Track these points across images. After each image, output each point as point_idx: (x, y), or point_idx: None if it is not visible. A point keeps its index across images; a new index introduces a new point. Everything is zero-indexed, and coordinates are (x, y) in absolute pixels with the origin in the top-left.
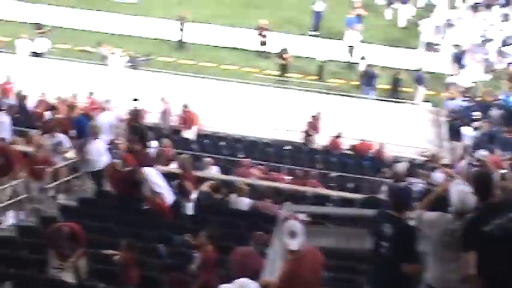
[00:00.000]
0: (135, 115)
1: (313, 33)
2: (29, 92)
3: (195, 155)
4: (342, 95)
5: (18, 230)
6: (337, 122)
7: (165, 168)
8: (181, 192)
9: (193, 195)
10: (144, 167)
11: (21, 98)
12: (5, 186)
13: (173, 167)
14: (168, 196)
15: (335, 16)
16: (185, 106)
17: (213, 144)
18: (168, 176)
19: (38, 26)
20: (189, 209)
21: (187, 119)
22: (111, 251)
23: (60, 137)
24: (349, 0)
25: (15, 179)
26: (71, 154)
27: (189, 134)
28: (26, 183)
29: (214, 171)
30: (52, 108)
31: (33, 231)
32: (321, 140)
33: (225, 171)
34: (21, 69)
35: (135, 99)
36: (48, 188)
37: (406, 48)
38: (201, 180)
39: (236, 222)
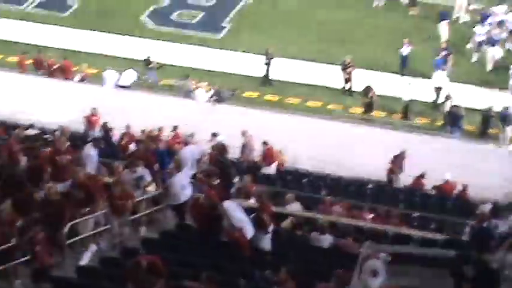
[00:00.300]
0: (220, 149)
1: (402, 77)
2: (114, 124)
3: (277, 191)
4: (427, 134)
5: (100, 260)
6: (421, 162)
7: (243, 203)
8: (259, 226)
9: (270, 229)
10: (225, 201)
11: (107, 130)
12: (88, 217)
13: (252, 201)
14: (249, 230)
15: (419, 56)
16: (265, 143)
17: (295, 181)
18: (246, 210)
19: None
20: (267, 243)
21: (268, 156)
22: (192, 283)
23: (141, 171)
24: (436, 40)
25: (97, 211)
26: (152, 188)
27: (269, 170)
28: (107, 215)
29: (296, 208)
30: (137, 141)
31: (115, 262)
32: (404, 179)
33: (307, 208)
34: (107, 102)
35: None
36: (130, 221)
37: (494, 89)
38: (280, 215)
39: (317, 259)
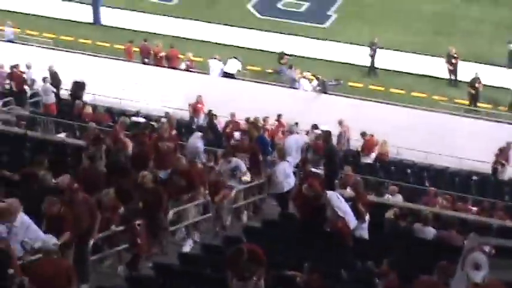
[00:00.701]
0: (327, 138)
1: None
2: (219, 112)
3: (379, 181)
4: None
5: (202, 248)
6: None
7: (340, 192)
8: (355, 215)
9: (367, 219)
10: (328, 191)
11: (211, 117)
12: (189, 205)
13: (348, 191)
14: (352, 221)
15: None
16: (364, 133)
17: (399, 172)
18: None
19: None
20: (365, 233)
21: (367, 146)
22: (294, 273)
23: (237, 161)
24: None
25: (199, 199)
26: (247, 177)
27: (368, 160)
28: (209, 203)
29: (398, 199)
30: (241, 130)
31: (217, 250)
32: (510, 172)
33: (410, 199)
34: (213, 90)
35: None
36: (232, 209)
37: None
38: (383, 205)
39: (420, 251)
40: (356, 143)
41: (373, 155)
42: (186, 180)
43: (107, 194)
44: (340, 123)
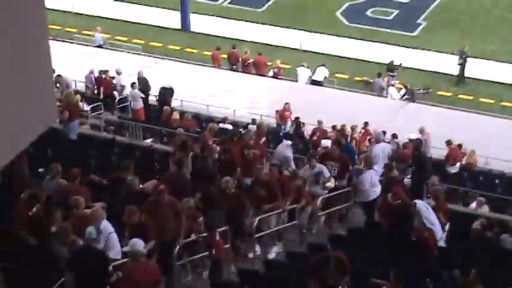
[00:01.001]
0: (418, 146)
1: None
2: (306, 119)
3: (466, 191)
4: None
5: (288, 255)
6: None
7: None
8: None
9: (446, 228)
10: (418, 201)
11: (299, 124)
12: (271, 213)
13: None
14: (439, 232)
15: None
16: (449, 142)
17: (487, 182)
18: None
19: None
20: (442, 241)
21: (451, 155)
22: (379, 281)
23: (320, 167)
24: None
25: (283, 208)
26: (331, 184)
27: (453, 169)
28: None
29: (485, 210)
30: (329, 138)
31: (302, 257)
32: None
33: (499, 209)
34: (300, 97)
35: None
36: (318, 217)
37: None
38: (470, 216)
39: (507, 261)
40: (441, 151)
41: (458, 165)
42: (267, 191)
43: (187, 202)
44: (422, 131)
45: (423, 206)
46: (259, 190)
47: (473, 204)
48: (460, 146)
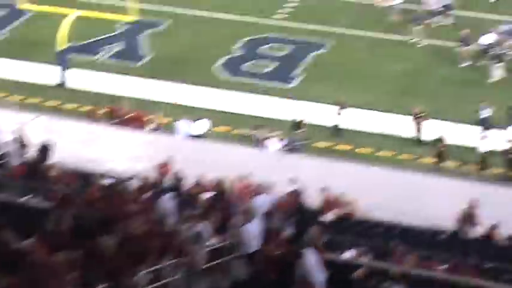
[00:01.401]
0: (296, 197)
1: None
2: (186, 173)
3: (345, 240)
4: (502, 185)
5: None
6: (495, 213)
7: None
8: None
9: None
10: (302, 250)
11: (178, 179)
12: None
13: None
14: (320, 279)
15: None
16: (323, 189)
17: (366, 231)
18: None
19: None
20: None
21: (327, 204)
22: None
23: (201, 227)
24: None
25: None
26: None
27: (327, 218)
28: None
29: (366, 259)
30: (208, 190)
31: None
32: (477, 230)
33: (379, 258)
34: (180, 151)
35: None
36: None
37: None
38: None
39: None
40: (319, 201)
41: (333, 213)
42: (145, 246)
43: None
44: (295, 181)
45: (308, 255)
46: (136, 246)
47: (353, 253)
48: (338, 195)
